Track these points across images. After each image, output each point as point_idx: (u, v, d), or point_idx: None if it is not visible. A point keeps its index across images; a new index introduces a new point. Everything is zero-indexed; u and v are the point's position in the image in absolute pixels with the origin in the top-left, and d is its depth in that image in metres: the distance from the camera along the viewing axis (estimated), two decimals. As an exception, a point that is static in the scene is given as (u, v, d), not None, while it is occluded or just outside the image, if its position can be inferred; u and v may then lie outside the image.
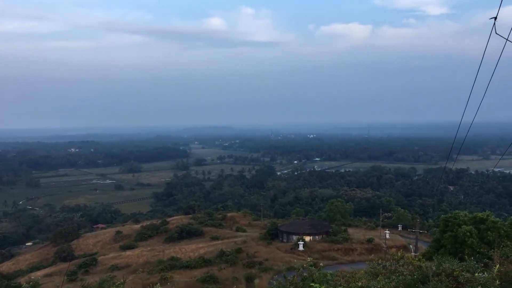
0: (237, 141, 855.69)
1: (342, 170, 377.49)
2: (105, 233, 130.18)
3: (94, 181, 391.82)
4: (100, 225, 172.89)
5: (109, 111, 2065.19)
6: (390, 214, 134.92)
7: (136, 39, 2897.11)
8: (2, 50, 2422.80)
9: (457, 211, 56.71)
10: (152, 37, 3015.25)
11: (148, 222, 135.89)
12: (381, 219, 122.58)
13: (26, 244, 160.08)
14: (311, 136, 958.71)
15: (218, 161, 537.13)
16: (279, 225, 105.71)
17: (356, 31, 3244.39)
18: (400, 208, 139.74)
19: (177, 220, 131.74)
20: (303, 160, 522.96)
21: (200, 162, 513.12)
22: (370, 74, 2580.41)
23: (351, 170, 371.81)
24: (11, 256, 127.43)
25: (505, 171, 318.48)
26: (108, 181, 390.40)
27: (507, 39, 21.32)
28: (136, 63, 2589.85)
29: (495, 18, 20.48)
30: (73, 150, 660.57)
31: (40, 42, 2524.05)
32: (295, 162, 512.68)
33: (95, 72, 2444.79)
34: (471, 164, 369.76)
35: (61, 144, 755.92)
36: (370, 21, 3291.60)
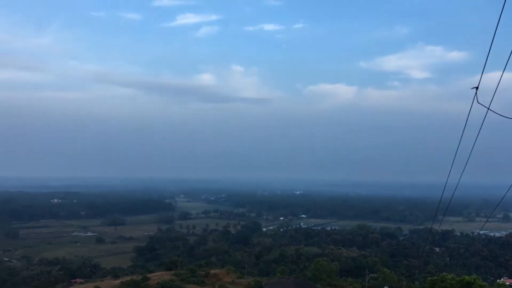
0: (223, 195, 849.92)
1: (328, 228, 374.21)
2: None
3: (75, 233, 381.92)
4: (79, 280, 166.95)
5: (96, 161, 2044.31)
6: (376, 275, 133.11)
7: (126, 91, 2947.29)
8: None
9: (443, 273, 56.51)
10: (142, 90, 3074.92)
11: (128, 278, 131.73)
12: (367, 280, 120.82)
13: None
14: (298, 192, 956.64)
15: (204, 215, 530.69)
16: (263, 283, 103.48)
17: (342, 91, 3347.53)
18: (386, 269, 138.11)
19: (158, 276, 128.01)
20: (289, 217, 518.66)
21: (185, 216, 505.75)
22: (355, 132, 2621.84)
23: (337, 228, 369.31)
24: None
25: (490, 234, 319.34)
26: (89, 234, 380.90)
27: (488, 108, 22.45)
28: (125, 115, 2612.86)
29: (477, 88, 21.63)
30: (56, 200, 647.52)
31: (30, 92, 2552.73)
32: (281, 218, 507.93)
33: (82, 122, 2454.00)
34: (456, 225, 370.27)
35: (44, 194, 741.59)
36: (356, 82, 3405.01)
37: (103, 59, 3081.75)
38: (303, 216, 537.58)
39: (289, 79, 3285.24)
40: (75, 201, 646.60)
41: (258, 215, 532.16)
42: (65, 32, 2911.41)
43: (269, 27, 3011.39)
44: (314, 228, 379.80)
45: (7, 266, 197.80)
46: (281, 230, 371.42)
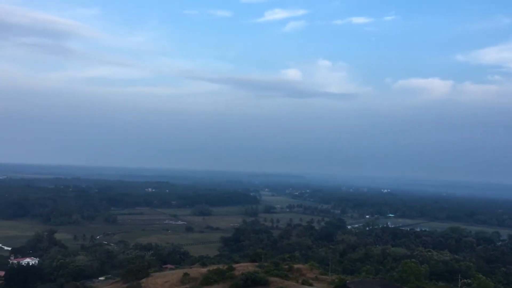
0: (308, 190, 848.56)
1: (418, 229, 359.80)
2: (173, 274, 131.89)
3: (166, 221, 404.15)
4: (169, 266, 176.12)
5: (185, 153, 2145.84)
6: (469, 281, 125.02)
7: (214, 87, 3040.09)
8: (93, 94, 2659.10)
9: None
10: (229, 86, 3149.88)
11: (214, 267, 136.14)
12: (459, 286, 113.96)
13: (99, 278, 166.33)
14: (385, 190, 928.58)
15: (287, 210, 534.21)
16: (347, 282, 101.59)
17: (436, 86, 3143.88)
18: (481, 275, 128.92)
19: (243, 267, 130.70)
20: (376, 215, 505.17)
21: (269, 209, 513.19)
22: (449, 130, 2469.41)
23: (427, 229, 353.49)
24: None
25: None
26: (179, 222, 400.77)
27: None
28: (212, 110, 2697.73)
29: None
30: (149, 189, 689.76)
31: (125, 87, 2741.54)
32: (367, 216, 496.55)
33: (173, 117, 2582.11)
34: None
35: (139, 183, 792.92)
36: (452, 76, 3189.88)
37: (193, 55, 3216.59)
38: (390, 215, 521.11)
39: (378, 74, 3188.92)
40: (167, 191, 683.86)
41: (343, 212, 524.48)
42: (159, 30, 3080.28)
43: (358, 20, 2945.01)
44: (402, 228, 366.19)
45: (106, 249, 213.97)
46: (367, 228, 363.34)
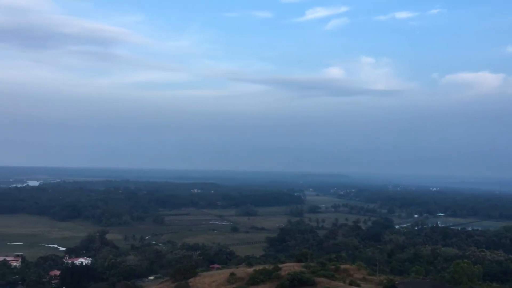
0: (353, 190, 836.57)
1: (469, 228, 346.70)
2: (220, 274, 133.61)
3: (212, 222, 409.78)
4: (216, 265, 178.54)
5: (230, 155, 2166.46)
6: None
7: (257, 87, 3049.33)
8: (139, 98, 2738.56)
9: None
10: (273, 86, 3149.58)
11: (260, 267, 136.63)
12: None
13: (149, 277, 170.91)
14: (434, 189, 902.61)
15: (333, 210, 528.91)
16: (396, 282, 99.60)
17: (487, 80, 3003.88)
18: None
19: (289, 267, 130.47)
20: (425, 215, 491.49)
21: (314, 209, 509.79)
22: (502, 124, 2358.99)
23: (479, 228, 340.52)
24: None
25: None
26: (225, 223, 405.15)
27: None
28: (256, 110, 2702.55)
29: None
30: (195, 191, 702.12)
31: (171, 91, 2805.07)
32: (416, 216, 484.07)
33: (218, 118, 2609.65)
34: None
35: (185, 184, 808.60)
36: (503, 69, 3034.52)
37: (236, 57, 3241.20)
38: (440, 214, 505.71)
39: (424, 69, 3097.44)
40: (212, 191, 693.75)
41: (390, 211, 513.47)
42: (202, 34, 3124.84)
43: (402, 14, 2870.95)
44: (453, 227, 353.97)
45: (155, 249, 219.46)
46: (416, 228, 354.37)
